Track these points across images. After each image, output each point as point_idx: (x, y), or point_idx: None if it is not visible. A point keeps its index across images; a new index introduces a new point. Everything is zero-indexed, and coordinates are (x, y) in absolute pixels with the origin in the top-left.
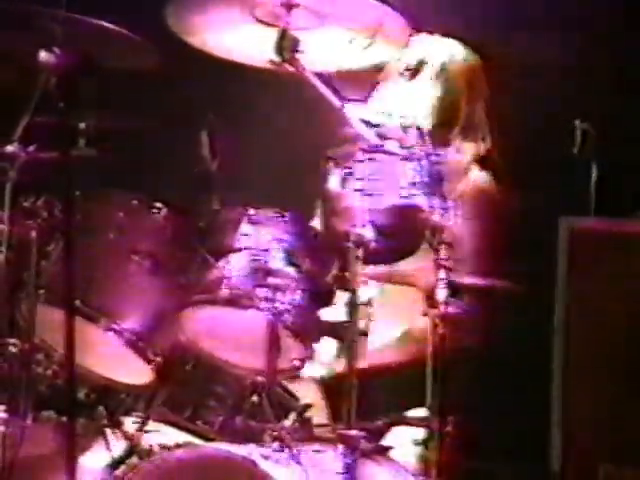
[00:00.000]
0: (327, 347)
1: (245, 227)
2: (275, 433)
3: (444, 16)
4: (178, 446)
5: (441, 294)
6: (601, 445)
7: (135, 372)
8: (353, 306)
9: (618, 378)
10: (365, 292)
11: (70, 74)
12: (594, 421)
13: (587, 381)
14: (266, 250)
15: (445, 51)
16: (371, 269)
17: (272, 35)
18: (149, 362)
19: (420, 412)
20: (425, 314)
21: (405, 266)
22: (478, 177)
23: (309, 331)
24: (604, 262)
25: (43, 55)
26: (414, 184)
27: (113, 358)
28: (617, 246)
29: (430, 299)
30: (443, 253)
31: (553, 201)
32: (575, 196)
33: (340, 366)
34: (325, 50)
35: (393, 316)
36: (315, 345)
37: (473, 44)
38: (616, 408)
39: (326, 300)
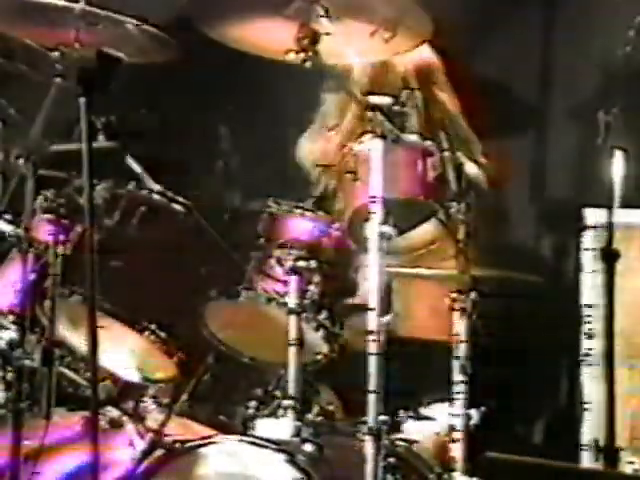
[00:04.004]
0: None
1: (267, 221)
2: (299, 427)
3: None
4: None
5: (464, 286)
6: (629, 438)
7: (158, 366)
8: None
9: None
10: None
11: (90, 68)
12: (621, 414)
13: (613, 374)
14: (288, 243)
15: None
16: (395, 263)
17: (294, 28)
18: (171, 356)
19: (444, 405)
20: (450, 307)
21: (427, 258)
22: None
23: (332, 324)
24: (629, 254)
25: (63, 50)
26: (432, 175)
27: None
28: None
29: (454, 291)
30: (464, 245)
31: (577, 192)
32: (599, 187)
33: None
34: (346, 43)
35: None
36: None
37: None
38: None
39: (349, 293)
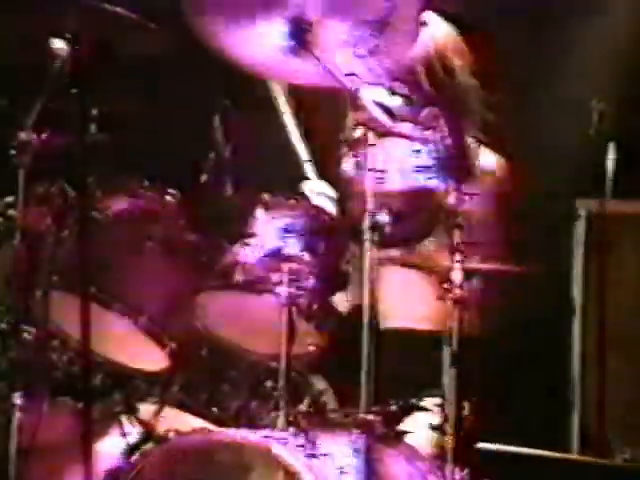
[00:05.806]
0: None
1: (259, 212)
2: (290, 418)
3: None
4: (193, 431)
5: (456, 277)
6: (620, 428)
7: (150, 358)
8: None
9: (635, 361)
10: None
11: (83, 60)
12: (612, 405)
13: (605, 365)
14: (280, 235)
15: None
16: (387, 252)
17: (287, 24)
18: (164, 347)
19: (436, 397)
20: (441, 298)
21: (421, 249)
22: (489, 160)
23: (324, 315)
24: (621, 244)
25: (57, 41)
26: (429, 166)
27: (129, 344)
28: (634, 228)
29: (445, 282)
30: (458, 236)
31: (570, 183)
32: (592, 178)
33: None
34: (340, 37)
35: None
36: None
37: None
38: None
39: (340, 284)
